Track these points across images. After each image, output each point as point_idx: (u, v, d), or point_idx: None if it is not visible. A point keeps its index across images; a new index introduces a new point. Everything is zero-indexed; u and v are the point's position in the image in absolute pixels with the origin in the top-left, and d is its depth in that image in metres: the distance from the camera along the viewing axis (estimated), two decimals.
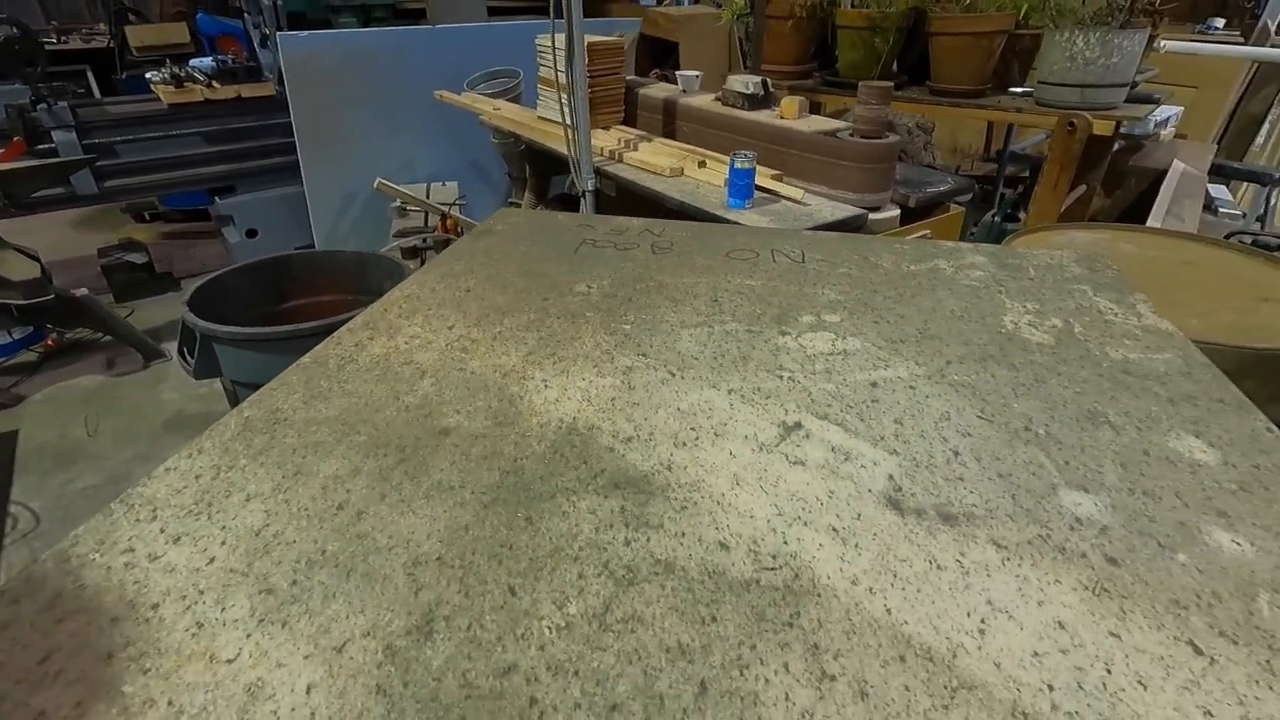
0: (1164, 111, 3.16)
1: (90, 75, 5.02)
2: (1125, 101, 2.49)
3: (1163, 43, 3.47)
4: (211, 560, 0.60)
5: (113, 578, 0.58)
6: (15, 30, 3.21)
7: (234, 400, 2.16)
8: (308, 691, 0.49)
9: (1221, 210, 3.13)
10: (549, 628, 0.54)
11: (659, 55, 4.80)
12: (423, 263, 3.14)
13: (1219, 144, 3.72)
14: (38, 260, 2.84)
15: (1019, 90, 2.75)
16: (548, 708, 0.48)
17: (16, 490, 2.43)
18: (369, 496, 0.67)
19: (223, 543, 0.62)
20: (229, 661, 0.51)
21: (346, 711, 0.48)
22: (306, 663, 0.51)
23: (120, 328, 3.12)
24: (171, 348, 3.18)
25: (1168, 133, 3.34)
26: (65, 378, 3.09)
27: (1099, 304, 1.06)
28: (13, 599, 0.57)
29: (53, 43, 5.02)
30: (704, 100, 2.53)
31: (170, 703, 0.48)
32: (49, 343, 3.23)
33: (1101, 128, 2.37)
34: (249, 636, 0.53)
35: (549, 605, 0.56)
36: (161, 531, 0.63)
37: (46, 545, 2.23)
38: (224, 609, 0.56)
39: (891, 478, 0.70)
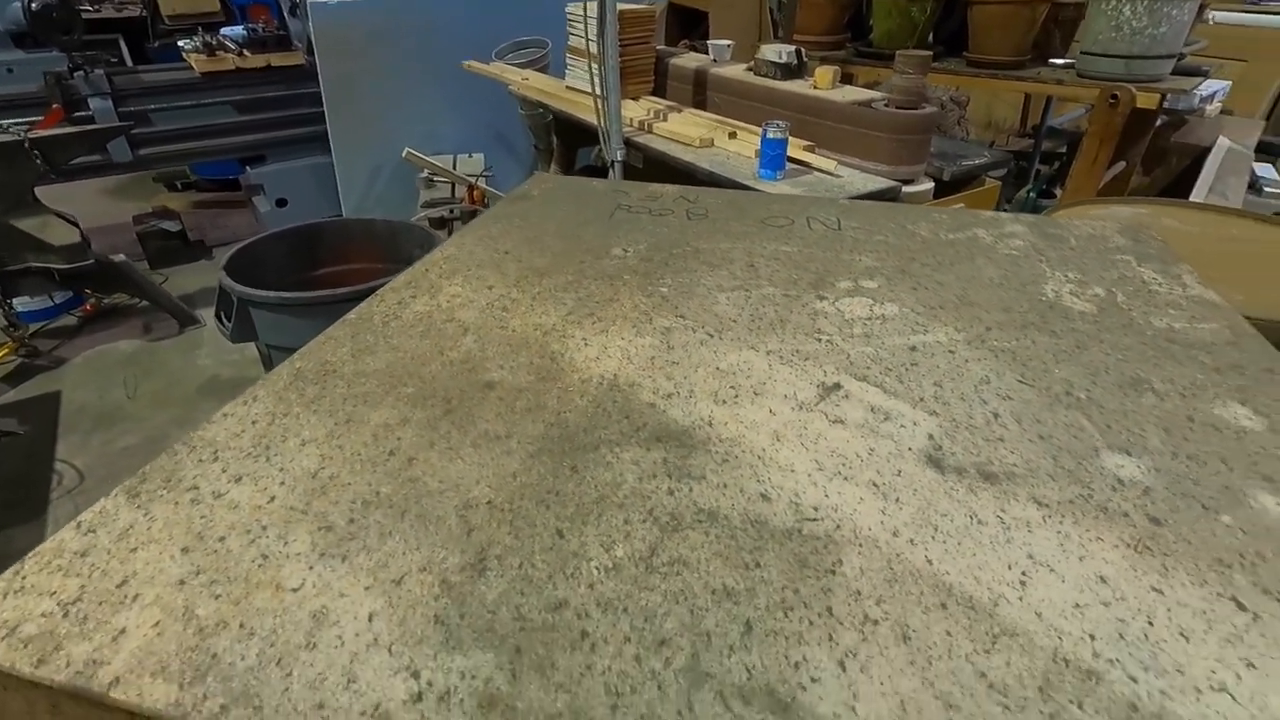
0: (1210, 86, 3.06)
1: (123, 44, 5.07)
2: (1171, 74, 2.41)
3: (1212, 13, 3.35)
4: (272, 499, 0.63)
5: (180, 512, 0.61)
6: None
7: (269, 364, 2.21)
8: (370, 619, 0.51)
9: (1267, 189, 3.03)
10: (597, 568, 0.56)
11: (687, 25, 4.72)
12: (450, 233, 3.16)
13: (1268, 120, 3.59)
14: (77, 226, 2.90)
15: (1060, 62, 2.68)
16: (599, 640, 0.50)
17: (60, 449, 2.52)
18: (418, 444, 0.69)
19: (281, 483, 0.64)
20: (294, 590, 0.54)
21: (407, 637, 0.50)
22: (367, 593, 0.54)
23: (157, 293, 3.19)
24: (206, 314, 3.25)
25: (1213, 108, 3.23)
26: (104, 342, 3.17)
27: (1143, 274, 1.05)
28: (89, 529, 0.60)
29: (87, 10, 5.06)
30: (735, 70, 2.50)
31: (242, 625, 0.51)
32: (88, 308, 3.31)
33: (1145, 101, 2.31)
34: (311, 569, 0.56)
35: (596, 548, 0.58)
36: (223, 471, 0.66)
37: (90, 502, 2.31)
38: (286, 543, 0.58)
39: (931, 437, 0.71)
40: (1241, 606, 0.53)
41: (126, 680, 0.47)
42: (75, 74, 3.21)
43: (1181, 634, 0.51)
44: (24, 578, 0.55)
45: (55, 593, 0.53)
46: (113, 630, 0.51)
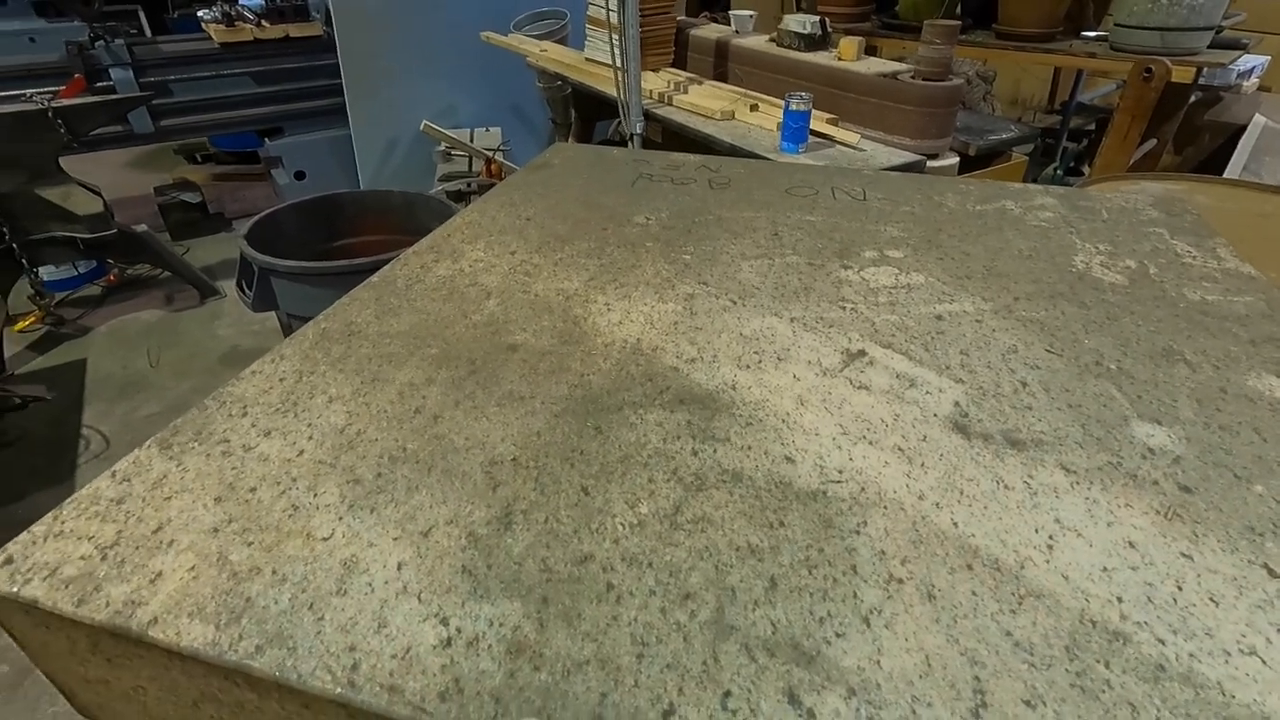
0: (1247, 61, 2.96)
1: (142, 14, 5.07)
2: (1209, 47, 2.34)
3: None
4: (301, 452, 0.63)
5: (211, 464, 0.62)
6: None
7: (289, 334, 2.23)
8: (399, 568, 0.52)
9: None
10: (622, 524, 0.56)
11: None
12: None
13: None
14: (100, 195, 2.92)
15: (1093, 34, 2.60)
16: (624, 593, 0.51)
17: (86, 416, 2.57)
18: (444, 403, 0.70)
19: (310, 438, 0.65)
20: (324, 539, 0.55)
21: (436, 586, 0.51)
22: (396, 544, 0.54)
23: (179, 264, 3.22)
24: (226, 285, 3.28)
25: (1250, 84, 3.13)
26: (127, 312, 3.21)
27: (1176, 247, 1.03)
28: (124, 478, 0.61)
29: None
30: (757, 41, 2.46)
31: (274, 571, 0.52)
32: (111, 278, 3.35)
33: (1180, 74, 2.24)
34: (341, 519, 0.57)
35: (621, 504, 0.58)
36: (253, 426, 0.67)
37: None
38: (316, 495, 0.59)
39: (958, 404, 0.70)
40: (1273, 573, 0.52)
41: (164, 620, 0.48)
42: (96, 44, 3.22)
43: (1211, 599, 0.50)
44: (63, 522, 0.56)
45: (93, 537, 0.55)
46: (150, 573, 0.52)
